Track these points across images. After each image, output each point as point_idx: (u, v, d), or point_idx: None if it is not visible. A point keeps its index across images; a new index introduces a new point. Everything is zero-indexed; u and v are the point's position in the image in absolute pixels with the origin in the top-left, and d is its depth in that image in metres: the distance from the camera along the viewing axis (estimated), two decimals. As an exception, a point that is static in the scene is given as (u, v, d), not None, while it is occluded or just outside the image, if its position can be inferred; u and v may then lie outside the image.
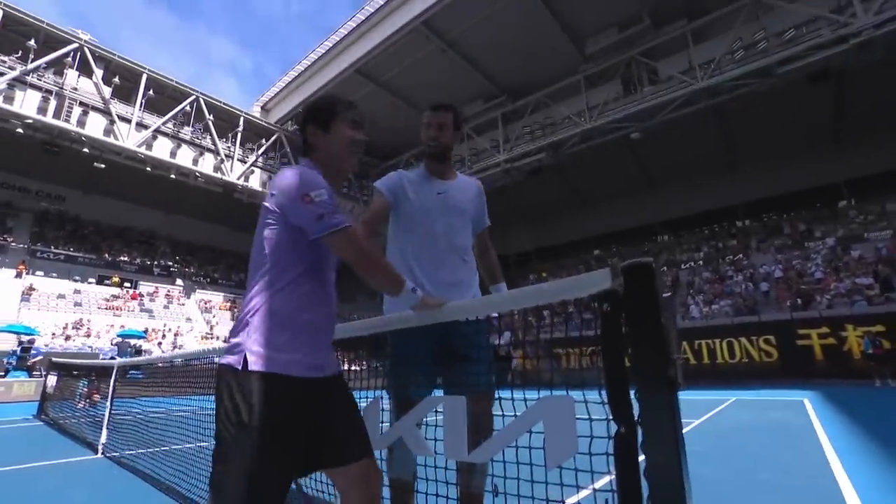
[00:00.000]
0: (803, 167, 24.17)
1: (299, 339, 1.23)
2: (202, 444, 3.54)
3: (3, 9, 19.04)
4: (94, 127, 20.89)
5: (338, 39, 23.01)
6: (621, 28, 19.68)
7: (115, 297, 24.91)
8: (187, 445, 4.08)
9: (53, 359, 11.07)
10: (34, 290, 22.07)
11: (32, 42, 19.84)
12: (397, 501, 1.62)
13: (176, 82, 23.54)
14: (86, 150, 21.03)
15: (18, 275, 22.33)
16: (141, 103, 22.34)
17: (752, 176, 25.82)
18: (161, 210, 30.70)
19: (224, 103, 25.04)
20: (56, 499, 3.27)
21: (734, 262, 22.40)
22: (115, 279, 26.03)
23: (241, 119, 25.59)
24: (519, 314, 1.51)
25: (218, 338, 24.38)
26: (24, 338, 16.17)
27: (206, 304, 28.45)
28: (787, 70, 16.91)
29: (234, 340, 1.24)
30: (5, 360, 15.26)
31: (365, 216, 1.85)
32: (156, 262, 29.08)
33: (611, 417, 1.11)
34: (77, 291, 23.78)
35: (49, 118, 19.65)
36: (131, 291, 26.10)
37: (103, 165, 22.04)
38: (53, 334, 19.67)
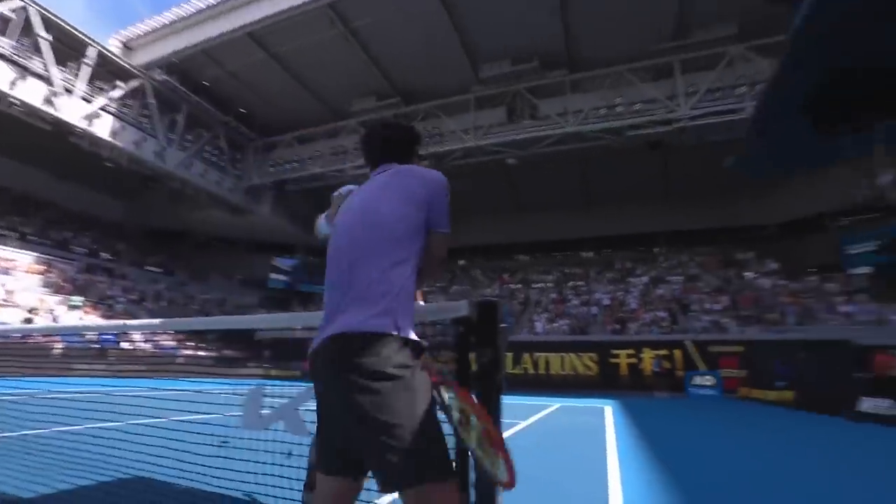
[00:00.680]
0: (637, 214, 28.94)
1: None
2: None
3: None
4: None
5: (233, -7, 20.98)
6: (514, 62, 21.50)
7: None
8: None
9: None
10: None
11: None
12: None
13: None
14: None
15: None
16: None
17: (600, 215, 30.02)
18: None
19: (69, 24, 20.87)
20: None
21: (576, 287, 25.83)
22: None
23: (96, 51, 21.63)
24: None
25: (19, 307, 20.15)
26: None
27: (6, 263, 23.28)
28: (633, 135, 20.41)
29: (377, 310, 1.26)
30: None
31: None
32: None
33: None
34: None
35: None
36: None
37: None
38: None
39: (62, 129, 21.11)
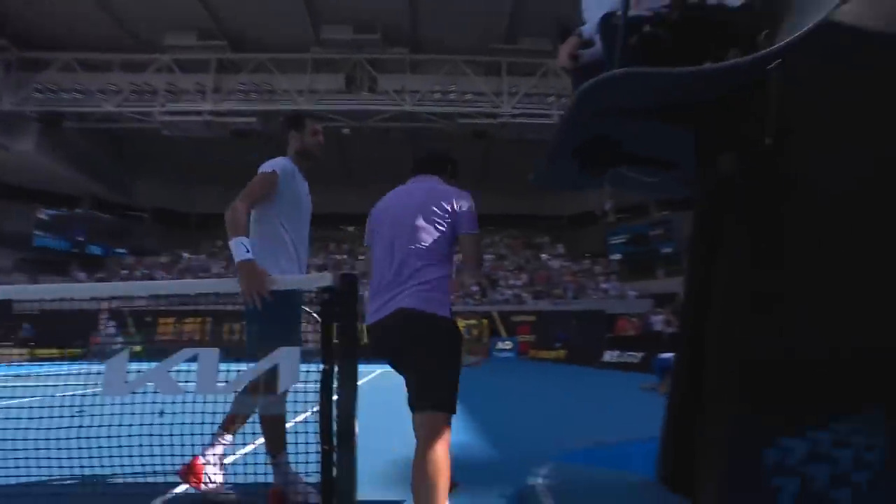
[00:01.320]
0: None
1: None
2: None
3: None
4: None
5: None
6: (357, 29, 21.01)
7: None
8: None
9: None
10: None
11: None
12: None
13: None
14: None
15: None
16: None
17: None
18: None
19: None
20: None
21: (401, 261, 27.17)
22: None
23: None
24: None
25: None
26: None
27: None
28: (463, 122, 22.17)
29: (424, 293, 1.73)
30: None
31: (255, 191, 2.19)
32: None
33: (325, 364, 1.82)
34: None
35: None
36: None
37: None
38: None
39: None
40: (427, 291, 1.73)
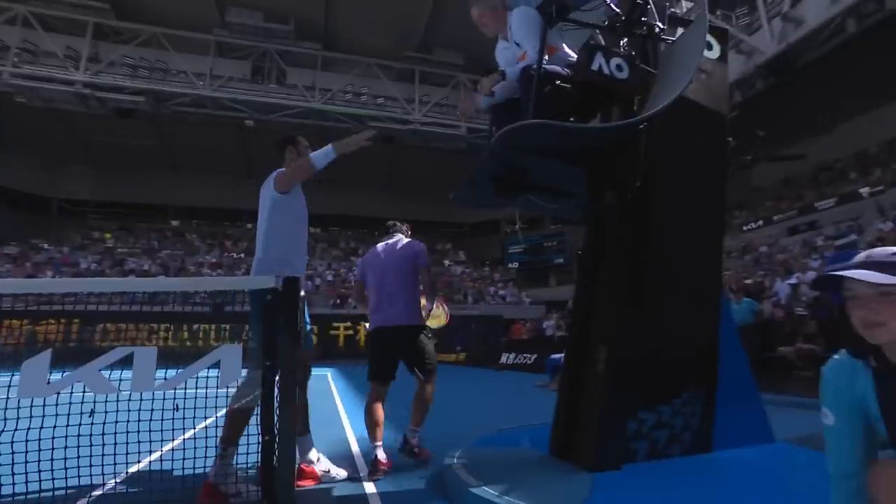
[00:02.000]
0: (366, 198, 31.16)
1: None
2: None
3: None
4: None
5: None
6: (267, 17, 20.03)
7: None
8: None
9: None
10: None
11: None
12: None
13: None
14: None
15: None
16: None
17: (335, 194, 30.76)
18: None
19: None
20: None
21: (303, 261, 26.17)
22: None
23: None
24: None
25: None
26: None
27: None
28: (373, 126, 22.14)
29: (406, 311, 2.95)
30: None
31: (299, 173, 2.59)
32: None
33: (266, 360, 1.95)
34: None
35: None
36: None
37: None
38: None
39: None
40: (409, 310, 2.96)
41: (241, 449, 2.01)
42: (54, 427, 1.81)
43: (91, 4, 19.04)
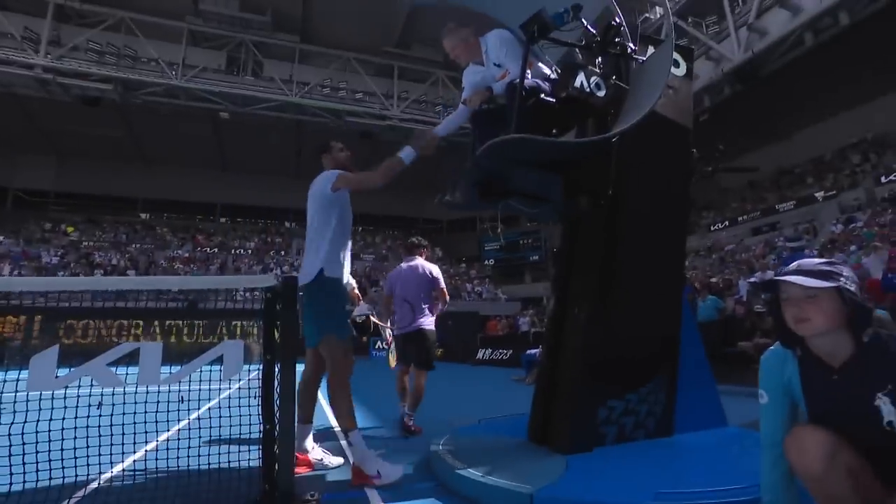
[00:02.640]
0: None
1: None
2: None
3: None
4: None
5: None
6: (244, 7, 19.64)
7: None
8: None
9: None
10: None
11: None
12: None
13: None
14: None
15: None
16: None
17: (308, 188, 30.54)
18: None
19: None
20: None
21: (277, 256, 25.80)
22: None
23: None
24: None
25: None
26: None
27: None
28: (351, 121, 22.04)
29: (421, 319, 3.89)
30: None
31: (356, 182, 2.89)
32: None
33: (266, 354, 2.07)
34: None
35: None
36: None
37: None
38: None
39: None
40: (427, 318, 3.90)
41: (244, 437, 2.12)
42: (50, 420, 1.88)
43: (53, -15, 18.26)
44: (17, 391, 1.81)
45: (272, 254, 25.97)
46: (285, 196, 29.79)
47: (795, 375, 1.27)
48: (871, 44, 15.51)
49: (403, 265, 4.06)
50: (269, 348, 2.12)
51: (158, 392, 2.00)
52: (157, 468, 2.13)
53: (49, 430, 1.85)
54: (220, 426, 2.10)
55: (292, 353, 2.15)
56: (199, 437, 2.09)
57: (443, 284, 4.04)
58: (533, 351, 7.96)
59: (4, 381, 1.86)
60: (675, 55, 3.09)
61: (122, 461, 2.33)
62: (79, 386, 1.87)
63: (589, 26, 2.74)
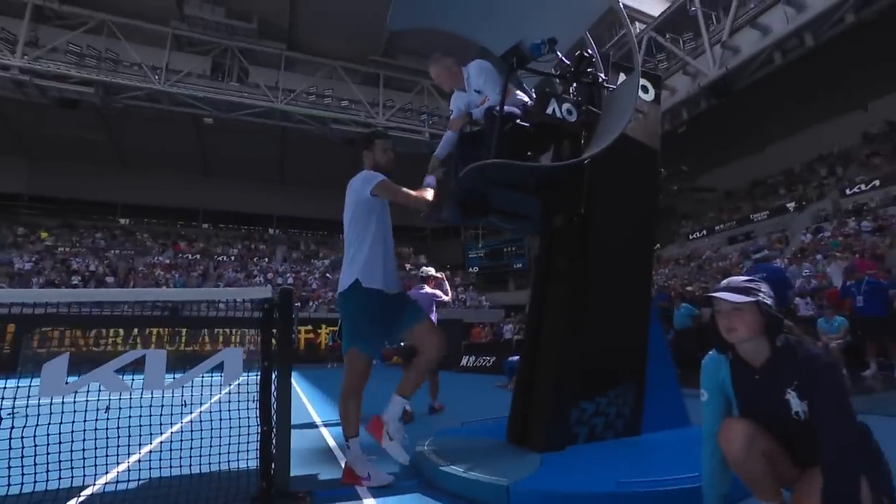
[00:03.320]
0: (326, 200, 30.88)
1: None
2: None
3: None
4: None
5: None
6: (230, 13, 19.67)
7: None
8: None
9: None
10: None
11: None
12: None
13: None
14: None
15: None
16: None
17: (293, 195, 30.39)
18: None
19: None
20: None
21: (260, 263, 25.62)
22: None
23: None
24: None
25: None
26: None
27: None
28: (336, 128, 22.15)
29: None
30: None
31: (393, 192, 2.74)
32: None
33: (264, 361, 2.23)
34: None
35: None
36: None
37: None
38: None
39: None
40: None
41: (242, 438, 2.27)
42: (60, 423, 2.01)
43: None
44: (28, 396, 1.93)
45: (255, 260, 25.77)
46: (269, 202, 29.70)
47: (728, 376, 1.49)
48: (835, 64, 16.34)
49: (413, 291, 5.04)
50: (267, 355, 2.28)
51: (161, 396, 2.13)
52: (160, 466, 2.25)
53: (59, 433, 1.97)
54: (219, 427, 2.24)
55: (288, 360, 2.32)
56: (201, 437, 2.22)
57: (441, 294, 5.31)
58: (515, 357, 8.17)
59: (17, 386, 1.98)
60: (644, 81, 3.33)
61: (128, 460, 2.47)
62: (87, 391, 2.01)
63: (563, 58, 2.98)
